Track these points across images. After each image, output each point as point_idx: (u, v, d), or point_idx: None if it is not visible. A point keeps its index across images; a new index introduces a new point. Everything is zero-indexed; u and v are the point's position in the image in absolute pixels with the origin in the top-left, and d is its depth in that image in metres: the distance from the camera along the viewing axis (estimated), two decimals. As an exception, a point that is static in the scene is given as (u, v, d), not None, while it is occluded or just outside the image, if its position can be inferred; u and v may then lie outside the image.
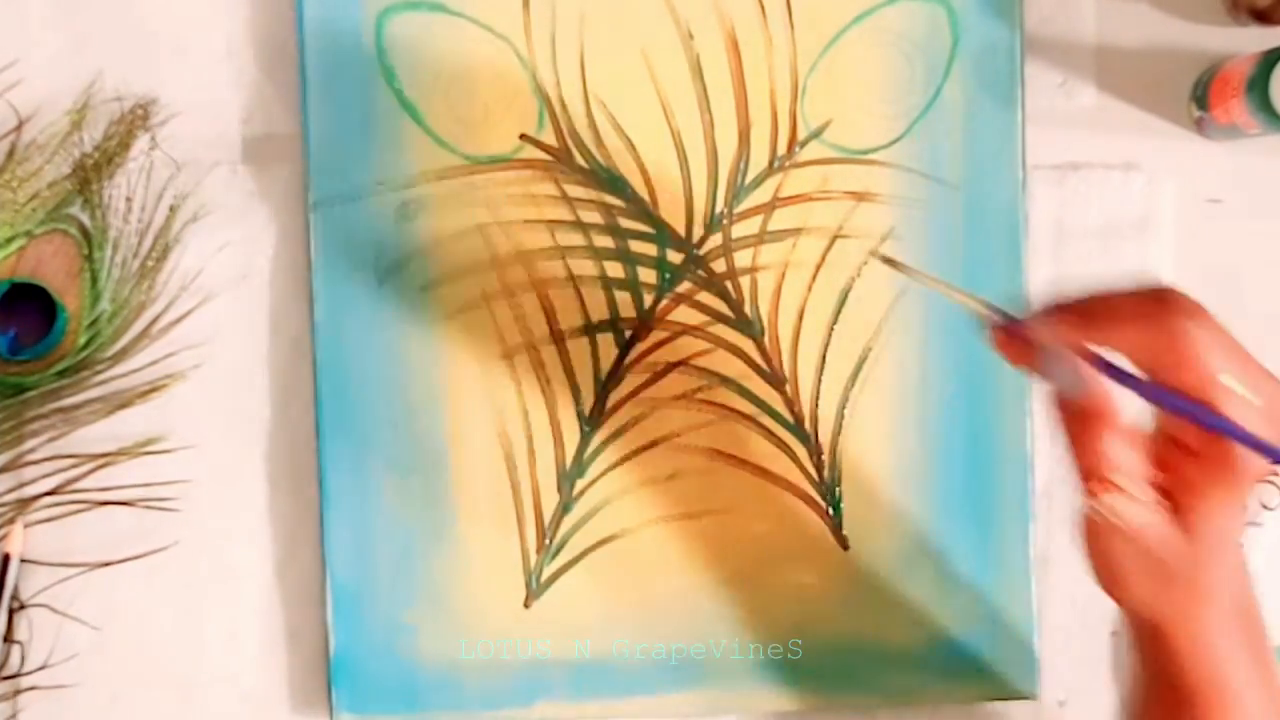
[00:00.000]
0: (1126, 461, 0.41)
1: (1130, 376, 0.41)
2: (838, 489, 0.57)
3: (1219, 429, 0.40)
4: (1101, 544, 0.43)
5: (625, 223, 0.57)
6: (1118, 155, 0.58)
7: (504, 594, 0.57)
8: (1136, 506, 0.42)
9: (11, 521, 0.56)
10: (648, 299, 0.57)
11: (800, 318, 0.57)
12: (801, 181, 0.57)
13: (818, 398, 0.57)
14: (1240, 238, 0.59)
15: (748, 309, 0.57)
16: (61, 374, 0.56)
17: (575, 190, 0.57)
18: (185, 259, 0.57)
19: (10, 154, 0.56)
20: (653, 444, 0.57)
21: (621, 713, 0.57)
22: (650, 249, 0.57)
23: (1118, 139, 0.58)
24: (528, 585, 0.57)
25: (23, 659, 0.57)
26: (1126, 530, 0.42)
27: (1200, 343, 0.40)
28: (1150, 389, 0.41)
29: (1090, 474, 0.42)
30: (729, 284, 0.57)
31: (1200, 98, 0.57)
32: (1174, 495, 0.42)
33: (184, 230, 0.57)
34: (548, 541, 0.57)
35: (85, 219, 0.56)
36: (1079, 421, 0.42)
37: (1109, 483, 0.42)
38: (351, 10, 0.56)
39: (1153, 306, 0.40)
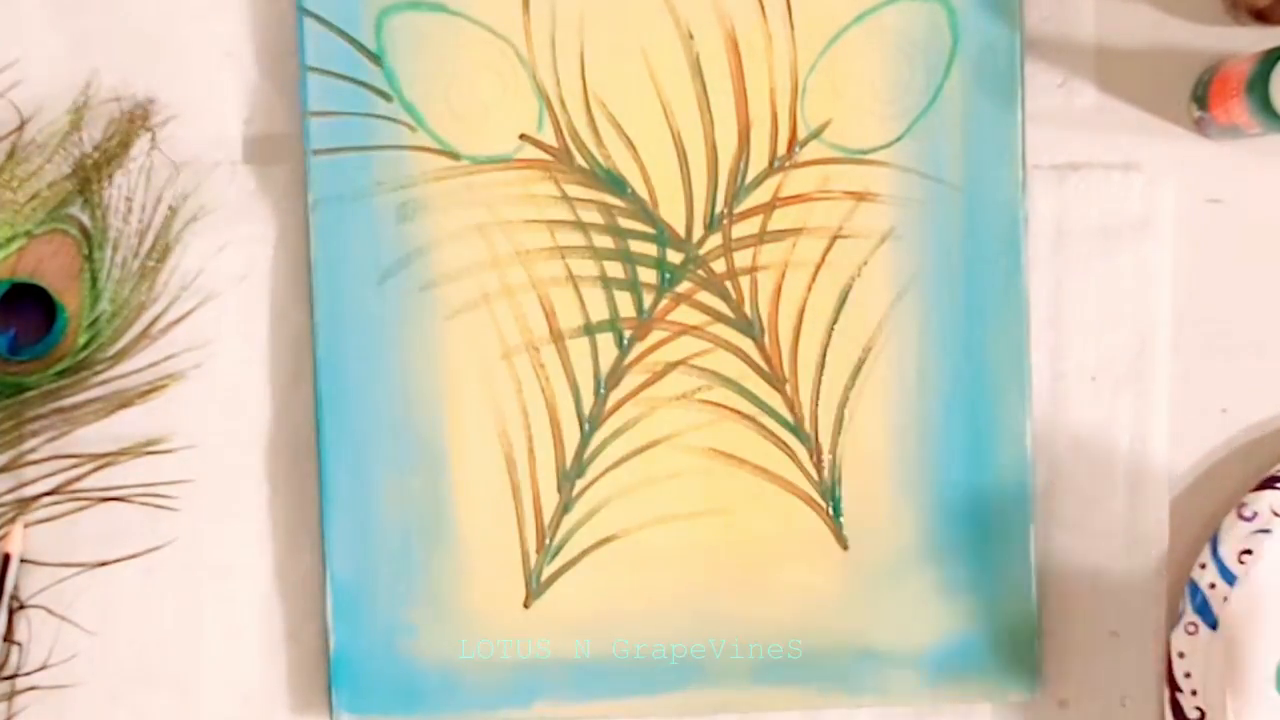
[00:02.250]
0: None
1: None
2: (838, 489, 0.57)
3: None
4: None
5: (625, 223, 0.57)
6: (1118, 155, 0.58)
7: (504, 594, 0.57)
8: None
9: (11, 521, 0.56)
10: (648, 299, 0.57)
11: (800, 318, 0.57)
12: (801, 181, 0.57)
13: (818, 398, 0.57)
14: (1240, 238, 0.59)
15: (747, 309, 0.57)
16: (61, 374, 0.56)
17: (575, 190, 0.57)
18: (185, 259, 0.57)
19: (10, 154, 0.56)
20: (653, 444, 0.57)
21: (621, 713, 0.57)
22: (650, 249, 0.57)
23: (1118, 139, 0.58)
24: (528, 585, 0.57)
25: (22, 659, 0.57)
26: None
27: None
28: None
29: None
30: (729, 284, 0.57)
31: (1200, 98, 0.57)
32: None
33: (184, 230, 0.57)
34: (548, 541, 0.57)
35: (85, 219, 0.56)
36: None
37: None
38: (351, 10, 0.56)
39: None
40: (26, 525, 0.56)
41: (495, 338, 0.57)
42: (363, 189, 0.56)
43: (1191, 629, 0.57)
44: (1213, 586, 0.57)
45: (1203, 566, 0.57)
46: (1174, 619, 0.57)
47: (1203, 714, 0.57)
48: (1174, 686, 0.57)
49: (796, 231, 0.57)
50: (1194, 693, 0.57)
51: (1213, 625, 0.57)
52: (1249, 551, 0.56)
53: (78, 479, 0.56)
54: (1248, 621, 0.57)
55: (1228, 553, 0.57)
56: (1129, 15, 0.58)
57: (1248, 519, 0.57)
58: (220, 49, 0.57)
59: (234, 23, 0.57)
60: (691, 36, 0.56)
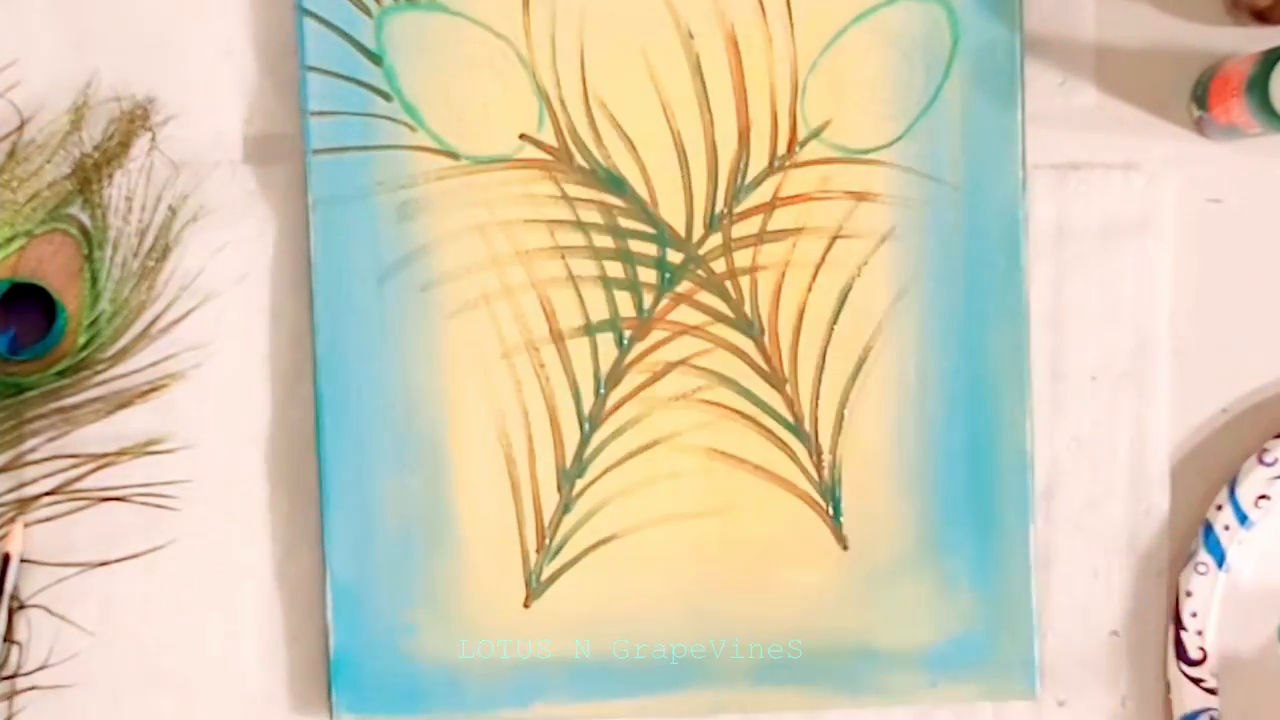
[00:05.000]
0: None
1: None
2: (838, 489, 0.57)
3: None
4: None
5: (625, 223, 0.57)
6: (1118, 155, 0.58)
7: (504, 594, 0.57)
8: None
9: (11, 521, 0.56)
10: (648, 299, 0.57)
11: (800, 318, 0.57)
12: (801, 181, 0.57)
13: (818, 398, 0.57)
14: (1240, 238, 0.59)
15: (748, 309, 0.57)
16: (61, 374, 0.56)
17: (575, 190, 0.57)
18: (185, 259, 0.57)
19: (10, 154, 0.56)
20: (653, 444, 0.57)
21: (621, 713, 0.57)
22: (650, 249, 0.57)
23: (1118, 139, 0.58)
24: (528, 585, 0.57)
25: (22, 659, 0.57)
26: None
27: None
28: None
29: None
30: (729, 284, 0.57)
31: (1200, 98, 0.57)
32: None
33: (184, 230, 0.57)
34: (548, 541, 0.57)
35: (85, 219, 0.56)
36: None
37: None
38: (351, 10, 0.56)
39: None
40: (26, 525, 0.56)
41: (495, 338, 0.57)
42: (363, 189, 0.56)
43: (1202, 569, 0.57)
44: (1227, 528, 0.57)
45: (1219, 508, 0.57)
46: (1184, 560, 0.58)
47: (1205, 654, 0.57)
48: (1179, 625, 0.57)
49: (796, 231, 0.57)
50: (1199, 632, 0.57)
51: (1223, 566, 0.57)
52: (1266, 497, 0.57)
53: (78, 479, 0.56)
54: (1258, 566, 0.58)
55: (1245, 496, 0.57)
56: (1129, 15, 0.58)
57: (1268, 464, 0.57)
58: (220, 49, 0.57)
59: (234, 23, 0.57)
60: (691, 36, 0.56)
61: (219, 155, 0.57)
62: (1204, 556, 0.57)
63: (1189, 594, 0.57)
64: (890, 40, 0.57)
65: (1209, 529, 0.57)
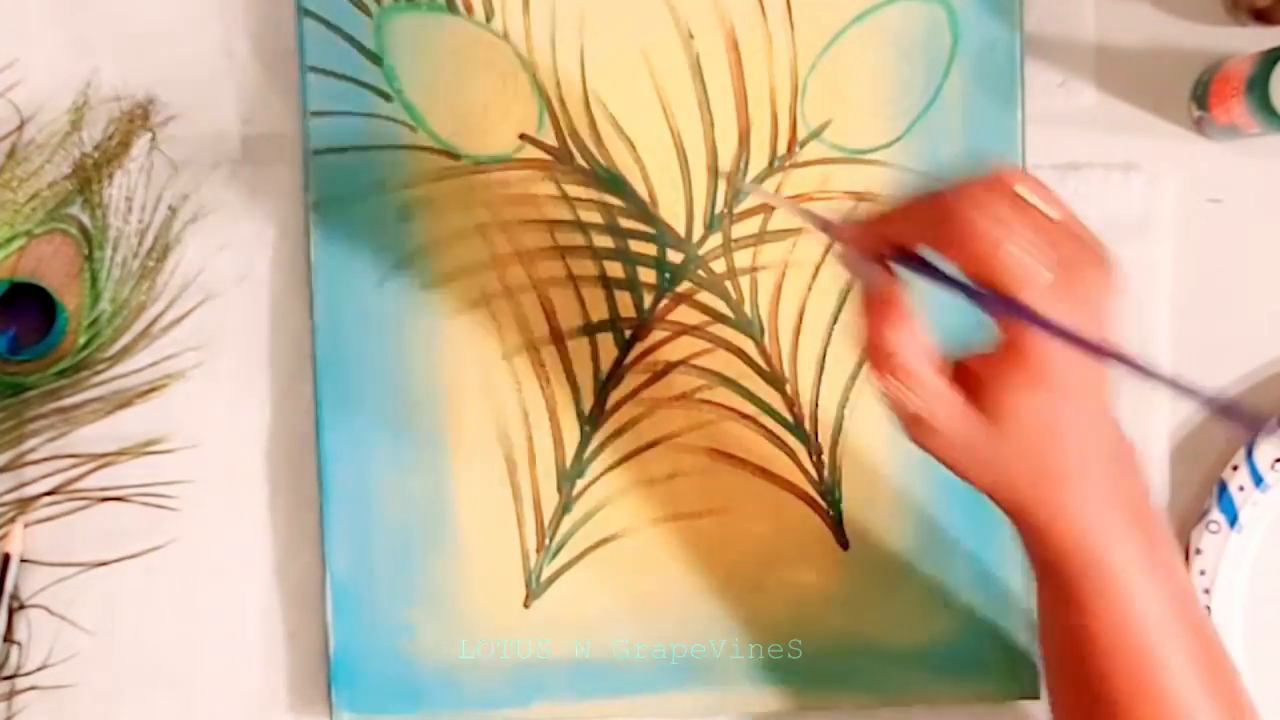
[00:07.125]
0: (909, 348, 0.42)
1: (928, 267, 0.42)
2: (838, 489, 0.57)
3: (1004, 310, 0.40)
4: (919, 432, 0.43)
5: (625, 223, 0.57)
6: (1118, 155, 0.58)
7: (504, 594, 0.57)
8: (919, 392, 0.42)
9: (11, 521, 0.56)
10: (648, 299, 0.57)
11: (800, 318, 0.57)
12: (801, 181, 0.57)
13: (818, 398, 0.57)
14: (1240, 238, 0.59)
15: (748, 309, 0.57)
16: (61, 374, 0.56)
17: (575, 190, 0.57)
18: (185, 259, 0.57)
19: (10, 154, 0.56)
20: (653, 444, 0.57)
21: (621, 713, 0.57)
22: (650, 249, 0.57)
23: (1118, 139, 0.58)
24: (528, 585, 0.57)
25: (22, 659, 0.57)
26: (909, 416, 0.42)
27: (976, 218, 0.40)
28: (942, 277, 0.41)
29: (872, 358, 0.43)
30: (729, 284, 0.57)
31: (1200, 98, 0.57)
32: (982, 383, 0.42)
33: (184, 230, 0.57)
34: (548, 541, 0.57)
35: (85, 219, 0.56)
36: (869, 310, 0.43)
37: (888, 369, 0.42)
38: (351, 10, 0.56)
39: (939, 199, 0.41)
40: (26, 525, 0.56)
41: (495, 338, 0.57)
42: (363, 189, 0.56)
43: (1214, 528, 0.57)
44: (1241, 489, 0.57)
45: (1235, 468, 0.57)
46: (1198, 518, 0.58)
47: (1210, 613, 0.57)
48: None
49: (796, 231, 0.57)
50: (1206, 591, 0.57)
51: (1234, 526, 0.57)
52: None
53: (78, 479, 0.56)
54: (1270, 529, 0.58)
55: (1262, 458, 0.57)
56: (1129, 15, 0.58)
57: None
58: (220, 49, 0.57)
59: (234, 23, 0.57)
60: (691, 36, 0.56)
61: (219, 155, 0.57)
62: (1216, 515, 0.57)
63: (1198, 552, 0.57)
64: (890, 40, 0.57)
65: (1223, 487, 0.57)
